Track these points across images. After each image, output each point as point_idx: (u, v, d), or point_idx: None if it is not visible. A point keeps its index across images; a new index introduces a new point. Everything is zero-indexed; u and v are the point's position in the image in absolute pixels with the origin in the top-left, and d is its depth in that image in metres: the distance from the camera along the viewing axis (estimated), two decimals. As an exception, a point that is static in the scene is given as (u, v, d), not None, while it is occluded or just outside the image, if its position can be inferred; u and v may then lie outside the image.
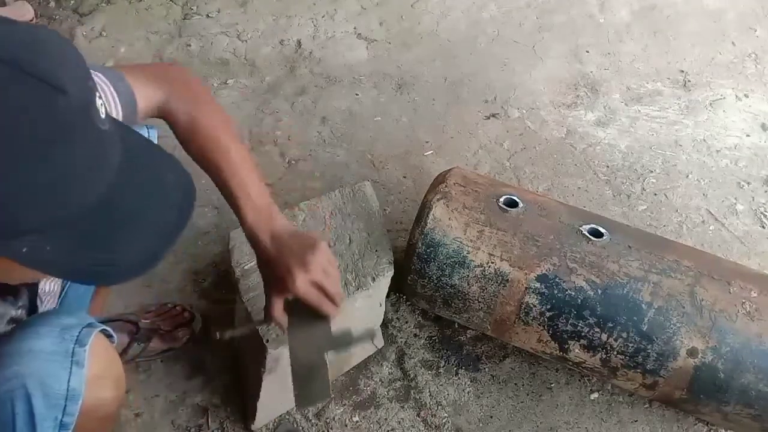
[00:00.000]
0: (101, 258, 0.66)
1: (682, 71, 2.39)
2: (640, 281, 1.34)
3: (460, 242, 1.41)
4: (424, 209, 1.46)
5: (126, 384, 1.04)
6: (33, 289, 0.96)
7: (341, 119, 2.14)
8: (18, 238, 0.61)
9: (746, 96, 2.32)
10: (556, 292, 1.35)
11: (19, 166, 0.57)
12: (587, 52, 2.43)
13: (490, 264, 1.39)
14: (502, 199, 1.45)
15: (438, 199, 1.45)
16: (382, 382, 1.53)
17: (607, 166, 2.06)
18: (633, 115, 2.23)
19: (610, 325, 1.33)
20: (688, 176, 2.05)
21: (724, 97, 2.31)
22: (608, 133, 2.16)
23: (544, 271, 1.36)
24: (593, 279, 1.34)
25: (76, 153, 0.61)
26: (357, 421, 1.47)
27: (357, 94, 2.22)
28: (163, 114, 1.05)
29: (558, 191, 1.97)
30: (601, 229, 1.42)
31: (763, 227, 1.93)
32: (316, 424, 1.45)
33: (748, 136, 2.19)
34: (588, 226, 1.42)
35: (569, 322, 1.36)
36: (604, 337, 1.34)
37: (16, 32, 0.62)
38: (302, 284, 1.03)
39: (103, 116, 0.65)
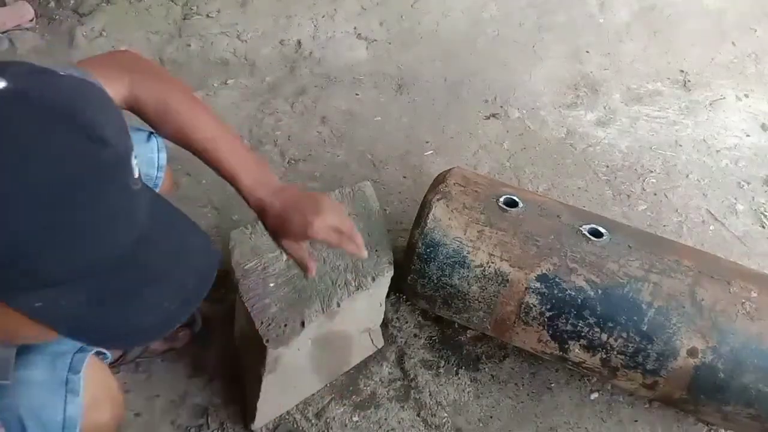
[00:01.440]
0: (115, 318, 0.64)
1: (682, 71, 2.39)
2: (640, 281, 1.34)
3: (460, 242, 1.41)
4: (424, 209, 1.46)
5: (126, 385, 1.04)
6: None
7: (341, 119, 2.14)
8: (35, 290, 0.59)
9: (746, 96, 2.32)
10: (556, 292, 1.35)
11: (52, 214, 0.56)
12: (587, 52, 2.43)
13: (490, 264, 1.39)
14: (502, 199, 1.45)
15: (438, 199, 1.45)
16: (382, 382, 1.53)
17: (607, 166, 2.06)
18: (633, 115, 2.23)
19: (610, 325, 1.33)
20: (688, 176, 2.05)
21: (724, 97, 2.31)
22: (608, 133, 2.16)
23: (544, 271, 1.36)
24: (593, 279, 1.34)
25: (107, 205, 0.60)
26: (357, 421, 1.47)
27: (357, 94, 2.22)
28: (131, 104, 1.00)
29: (558, 191, 1.97)
30: (601, 229, 1.42)
31: (763, 227, 1.93)
32: (316, 424, 1.45)
33: (748, 136, 2.19)
34: (588, 226, 1.42)
35: (569, 322, 1.36)
36: (604, 337, 1.34)
37: (65, 81, 0.62)
38: (321, 227, 1.01)
39: (136, 175, 0.64)
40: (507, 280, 1.38)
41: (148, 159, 1.19)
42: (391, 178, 1.98)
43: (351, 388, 1.52)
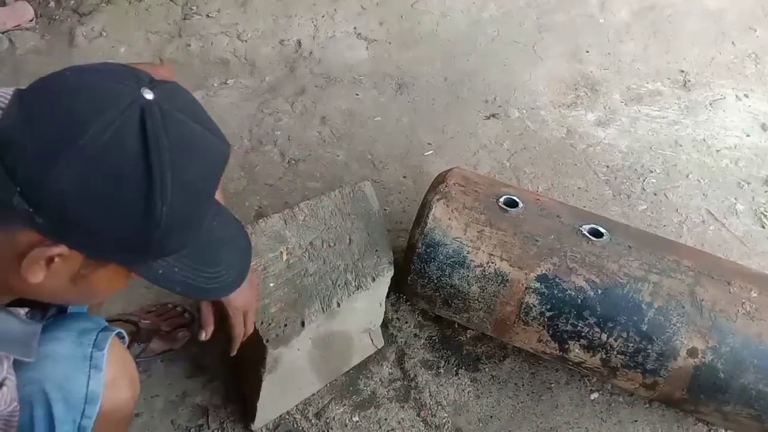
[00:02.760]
0: (211, 275, 0.80)
1: (682, 71, 2.39)
2: (640, 281, 1.34)
3: (460, 242, 1.41)
4: (424, 209, 1.46)
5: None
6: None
7: (341, 119, 2.14)
8: (161, 258, 0.74)
9: (746, 96, 2.32)
10: (556, 292, 1.35)
11: (195, 202, 0.73)
12: (587, 52, 2.43)
13: (490, 264, 1.39)
14: (502, 199, 1.45)
15: (438, 199, 1.45)
16: (382, 382, 1.53)
17: (607, 166, 2.06)
18: (633, 115, 2.23)
19: (610, 325, 1.33)
20: (688, 176, 2.05)
21: (724, 97, 2.31)
22: (608, 133, 2.16)
23: (544, 271, 1.36)
24: (593, 279, 1.34)
25: (215, 190, 0.77)
26: (357, 421, 1.47)
27: (357, 94, 2.22)
28: None
29: (558, 191, 1.97)
30: (601, 229, 1.42)
31: (763, 227, 1.93)
32: (316, 424, 1.45)
33: (748, 136, 2.19)
34: (588, 226, 1.42)
35: (569, 322, 1.36)
36: (604, 337, 1.34)
37: (177, 89, 0.74)
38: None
39: None
40: (507, 280, 1.38)
41: None
42: (391, 178, 1.98)
43: (351, 388, 1.52)
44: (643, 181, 2.03)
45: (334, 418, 1.46)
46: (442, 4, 2.57)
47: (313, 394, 1.49)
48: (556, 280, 1.36)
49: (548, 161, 2.06)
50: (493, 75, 2.32)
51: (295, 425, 1.44)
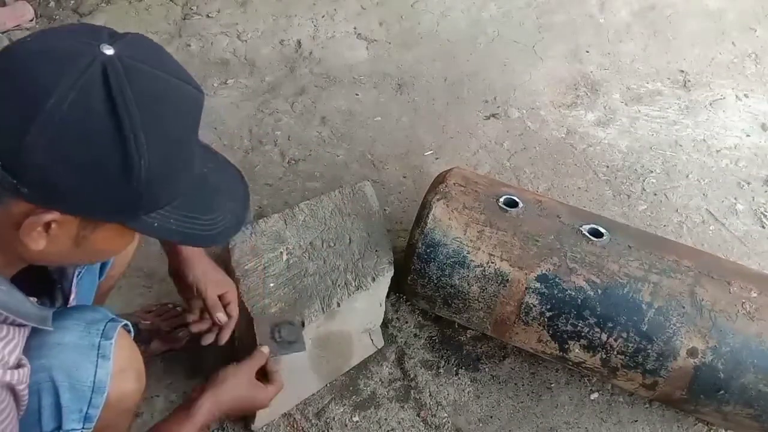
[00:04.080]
0: (207, 222, 0.79)
1: (682, 71, 2.39)
2: (640, 281, 1.34)
3: (460, 242, 1.41)
4: (424, 209, 1.46)
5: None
6: (66, 292, 0.97)
7: (341, 119, 2.14)
8: (154, 212, 0.74)
9: (746, 96, 2.32)
10: (556, 292, 1.35)
11: (178, 152, 0.73)
12: (587, 52, 2.43)
13: (490, 264, 1.39)
14: (502, 199, 1.45)
15: (438, 199, 1.45)
16: (382, 382, 1.53)
17: (607, 166, 2.06)
18: (633, 115, 2.23)
19: (610, 325, 1.33)
20: (688, 176, 2.05)
21: (724, 97, 2.31)
22: (608, 133, 2.16)
23: (544, 271, 1.36)
24: (593, 279, 1.34)
25: (197, 139, 0.78)
26: (357, 421, 1.47)
27: (357, 94, 2.22)
28: None
29: (558, 191, 1.97)
30: (601, 229, 1.42)
31: (763, 227, 1.93)
32: (316, 424, 1.45)
33: (748, 136, 2.19)
34: (588, 226, 1.42)
35: (569, 322, 1.36)
36: (604, 337, 1.34)
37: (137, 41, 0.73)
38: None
39: None
40: (507, 280, 1.38)
41: None
42: (391, 178, 1.98)
43: (351, 388, 1.52)
44: (643, 181, 2.03)
45: (334, 418, 1.46)
46: (442, 4, 2.57)
47: (313, 394, 1.49)
48: (556, 280, 1.36)
49: (548, 161, 2.06)
50: (493, 75, 2.32)
51: (295, 425, 1.44)
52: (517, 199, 1.46)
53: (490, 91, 2.26)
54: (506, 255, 1.39)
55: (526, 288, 1.37)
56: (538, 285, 1.36)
